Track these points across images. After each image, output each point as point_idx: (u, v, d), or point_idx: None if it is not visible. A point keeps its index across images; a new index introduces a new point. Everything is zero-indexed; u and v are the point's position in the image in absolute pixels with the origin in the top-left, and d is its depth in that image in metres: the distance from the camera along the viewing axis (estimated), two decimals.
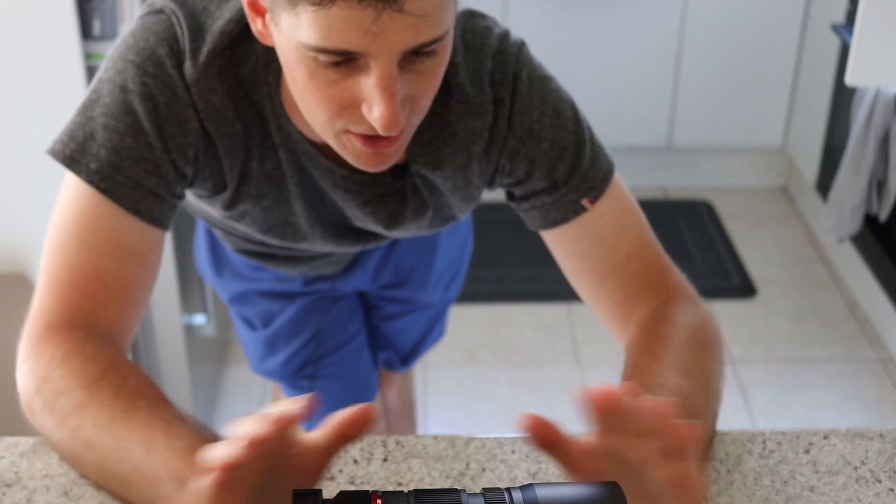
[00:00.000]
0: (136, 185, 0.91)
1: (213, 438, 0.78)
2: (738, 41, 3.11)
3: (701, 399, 0.89)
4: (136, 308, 0.95)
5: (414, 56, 0.80)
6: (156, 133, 0.91)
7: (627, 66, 3.14)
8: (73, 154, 0.91)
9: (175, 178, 0.93)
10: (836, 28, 2.61)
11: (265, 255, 1.27)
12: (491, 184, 1.02)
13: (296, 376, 1.49)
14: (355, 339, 1.50)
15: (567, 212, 0.99)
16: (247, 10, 0.86)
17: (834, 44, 2.81)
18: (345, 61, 0.79)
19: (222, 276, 1.44)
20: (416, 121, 0.88)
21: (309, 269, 1.33)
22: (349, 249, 1.14)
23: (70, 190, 0.93)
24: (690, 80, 3.17)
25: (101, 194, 0.91)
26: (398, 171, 1.00)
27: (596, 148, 1.00)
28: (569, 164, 0.98)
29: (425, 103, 0.86)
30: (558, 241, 1.02)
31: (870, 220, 2.58)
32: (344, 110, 0.83)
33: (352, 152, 0.88)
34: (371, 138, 0.85)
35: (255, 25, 0.86)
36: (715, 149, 3.32)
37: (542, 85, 0.98)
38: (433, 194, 1.02)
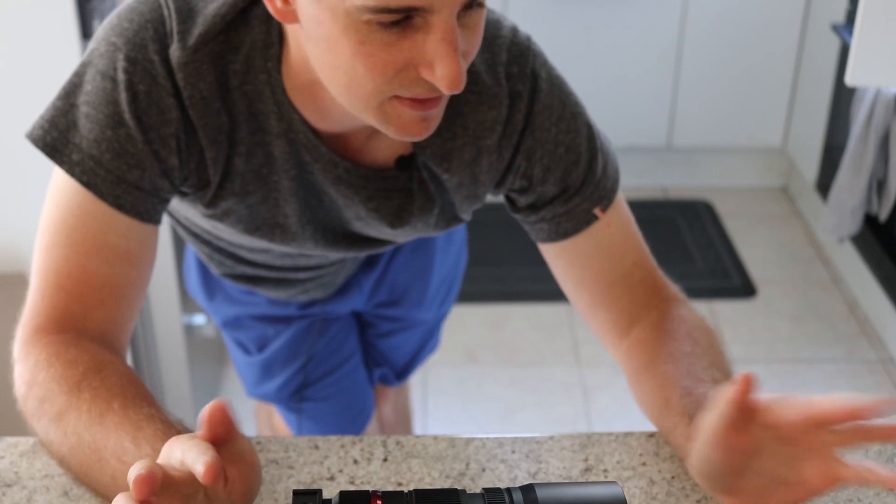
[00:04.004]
0: (117, 179, 0.88)
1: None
2: (738, 41, 3.11)
3: None
4: (129, 307, 0.93)
5: (467, 8, 0.77)
6: (136, 125, 0.88)
7: (627, 66, 3.14)
8: (55, 143, 0.89)
9: (159, 171, 0.90)
10: (836, 28, 2.61)
11: (253, 279, 1.24)
12: (500, 184, 1.00)
13: (292, 399, 1.46)
14: (351, 358, 1.48)
15: (579, 222, 0.98)
16: None
17: (834, 44, 2.81)
18: (401, 21, 0.76)
19: (214, 301, 1.41)
20: None
21: (299, 292, 1.30)
22: (340, 255, 1.10)
23: (56, 182, 0.91)
24: (690, 80, 3.17)
25: (83, 188, 0.88)
26: (404, 163, 0.97)
27: (606, 154, 0.99)
28: (582, 172, 0.96)
29: (471, 61, 0.83)
30: (563, 253, 1.01)
31: (870, 220, 2.58)
32: (398, 74, 0.78)
33: (396, 121, 0.83)
34: (420, 101, 0.81)
35: (273, 5, 0.82)
36: (715, 149, 3.32)
37: (561, 87, 0.97)
38: (438, 190, 1.00)
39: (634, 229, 1.02)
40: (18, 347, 0.90)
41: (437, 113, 0.84)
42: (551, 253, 1.02)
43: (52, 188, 0.91)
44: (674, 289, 1.03)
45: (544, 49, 1.00)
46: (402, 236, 1.06)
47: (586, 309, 1.04)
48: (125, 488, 0.76)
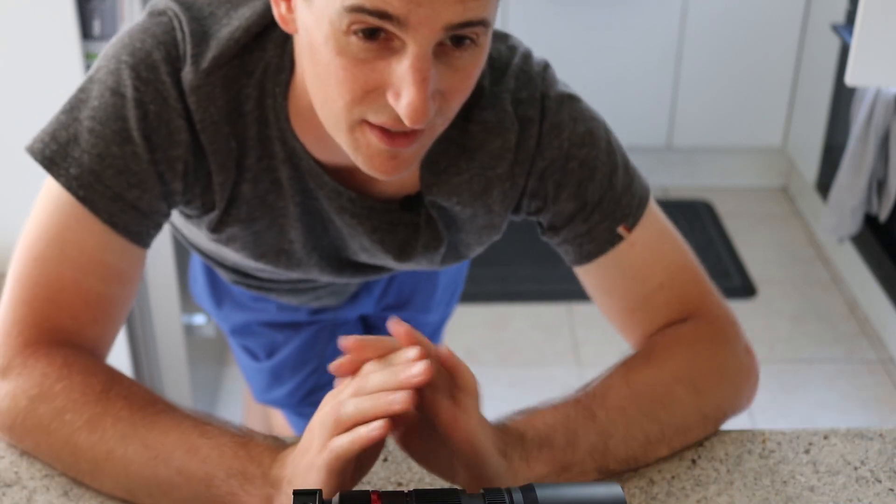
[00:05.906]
0: (115, 197, 0.86)
1: (245, 433, 0.81)
2: (738, 41, 3.11)
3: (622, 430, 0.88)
4: (117, 325, 0.92)
5: (452, 44, 0.75)
6: (144, 143, 0.86)
7: (627, 66, 3.14)
8: (54, 156, 0.87)
9: (160, 193, 0.88)
10: (836, 28, 2.61)
11: (264, 288, 1.23)
12: (517, 210, 0.97)
13: (301, 404, 1.45)
14: None
15: (602, 243, 0.94)
16: None
17: (834, 44, 2.81)
18: (379, 39, 0.73)
19: (223, 308, 1.39)
20: (441, 125, 0.82)
21: (311, 299, 1.29)
22: (347, 280, 1.09)
23: (49, 195, 0.88)
24: (690, 80, 3.17)
25: (79, 203, 0.86)
26: (410, 202, 0.95)
27: (631, 172, 0.96)
28: (599, 186, 0.93)
29: (455, 105, 0.80)
30: (587, 276, 0.98)
31: (870, 220, 2.58)
32: (367, 95, 0.76)
33: (365, 152, 0.80)
34: (389, 134, 0.78)
35: (279, 10, 0.80)
36: (715, 149, 3.32)
37: (572, 104, 0.94)
38: (450, 227, 0.97)
39: (668, 248, 0.98)
40: (8, 359, 0.86)
41: (408, 153, 0.81)
42: (580, 273, 1.00)
43: (45, 200, 0.89)
44: (707, 307, 0.99)
45: (545, 50, 0.99)
46: (407, 268, 1.04)
47: (616, 329, 1.03)
48: (201, 478, 0.78)
